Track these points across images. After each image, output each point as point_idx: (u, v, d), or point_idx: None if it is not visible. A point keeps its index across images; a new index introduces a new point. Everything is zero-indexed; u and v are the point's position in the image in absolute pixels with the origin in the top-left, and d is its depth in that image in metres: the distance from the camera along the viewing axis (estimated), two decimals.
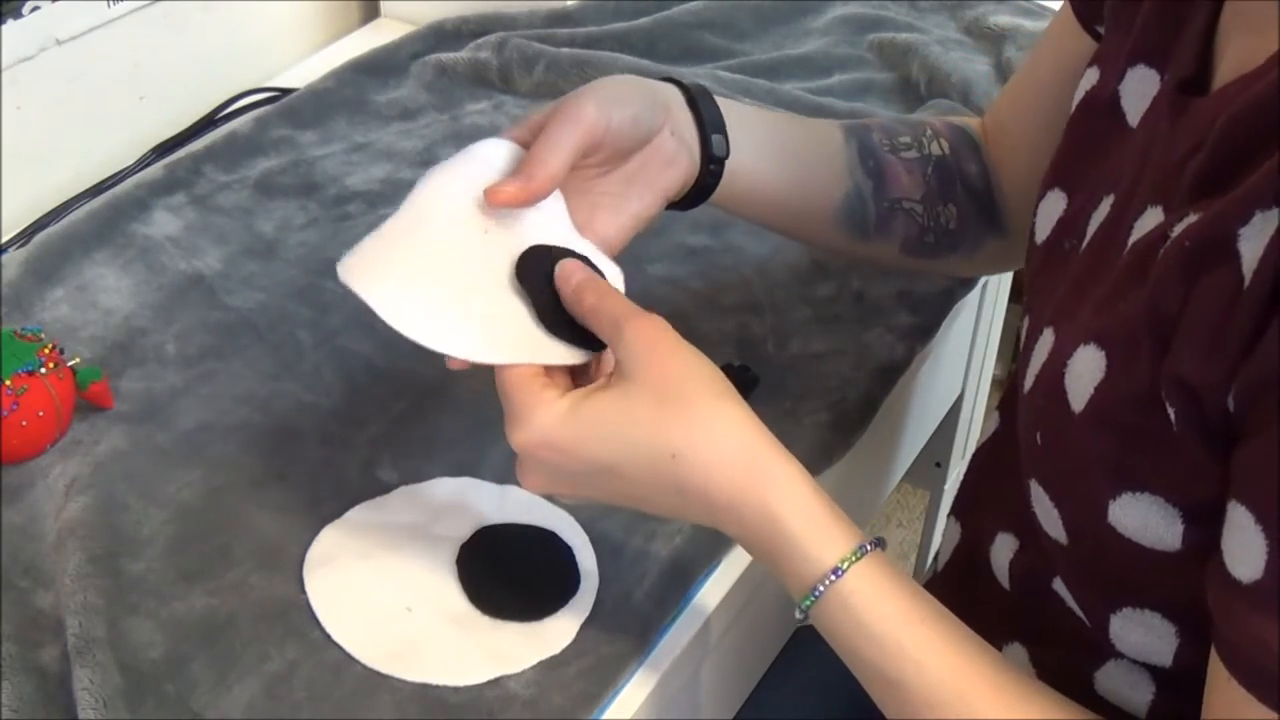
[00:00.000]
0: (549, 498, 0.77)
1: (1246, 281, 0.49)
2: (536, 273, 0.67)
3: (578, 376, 0.67)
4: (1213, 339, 0.50)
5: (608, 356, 0.67)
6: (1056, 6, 1.26)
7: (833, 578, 0.60)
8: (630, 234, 0.73)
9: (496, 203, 0.67)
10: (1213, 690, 0.53)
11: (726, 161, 0.76)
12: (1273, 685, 0.49)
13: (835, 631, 0.61)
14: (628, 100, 0.72)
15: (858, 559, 0.60)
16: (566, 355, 0.66)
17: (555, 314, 0.66)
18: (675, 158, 0.74)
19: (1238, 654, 0.50)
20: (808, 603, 0.60)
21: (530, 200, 0.67)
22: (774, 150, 0.80)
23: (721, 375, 0.63)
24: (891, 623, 0.59)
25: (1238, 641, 0.50)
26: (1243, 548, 0.49)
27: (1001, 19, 1.25)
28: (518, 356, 0.65)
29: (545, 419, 0.62)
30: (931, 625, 0.60)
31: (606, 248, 0.72)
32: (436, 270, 0.67)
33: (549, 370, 0.65)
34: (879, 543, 0.62)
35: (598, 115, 0.69)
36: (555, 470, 0.63)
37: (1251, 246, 0.49)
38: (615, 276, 0.71)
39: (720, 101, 0.77)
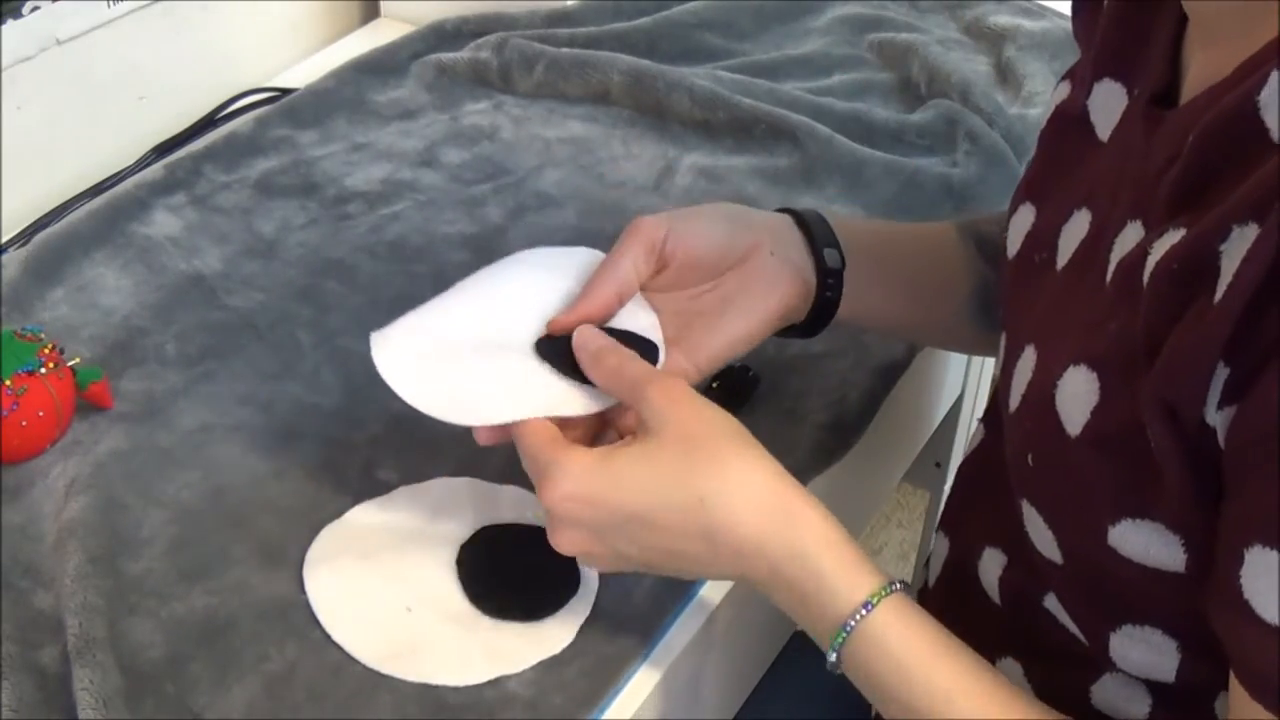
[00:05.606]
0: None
1: (1218, 295, 0.49)
2: (557, 341, 0.69)
3: (596, 441, 0.69)
4: (1194, 356, 0.50)
5: (627, 417, 0.68)
6: (1057, 6, 1.28)
7: (864, 612, 0.60)
8: (725, 355, 0.73)
9: (555, 331, 0.69)
10: None
11: (845, 274, 0.75)
12: None
13: (865, 668, 0.61)
14: (703, 215, 0.73)
15: (887, 594, 0.60)
16: (587, 404, 0.68)
17: (573, 372, 0.68)
18: (779, 278, 0.73)
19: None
20: (840, 639, 0.60)
21: (584, 323, 0.69)
22: (891, 261, 0.79)
23: (742, 427, 0.64)
24: (921, 657, 0.60)
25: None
26: (1273, 590, 0.48)
27: (1001, 19, 1.25)
28: (536, 410, 0.67)
29: (575, 471, 0.63)
30: (957, 659, 0.60)
31: (695, 368, 0.72)
32: (455, 340, 0.69)
33: (568, 432, 0.67)
34: (904, 585, 0.62)
35: (655, 226, 0.71)
36: (587, 525, 0.64)
37: (1231, 262, 0.49)
38: (661, 354, 0.72)
39: (832, 219, 0.76)
